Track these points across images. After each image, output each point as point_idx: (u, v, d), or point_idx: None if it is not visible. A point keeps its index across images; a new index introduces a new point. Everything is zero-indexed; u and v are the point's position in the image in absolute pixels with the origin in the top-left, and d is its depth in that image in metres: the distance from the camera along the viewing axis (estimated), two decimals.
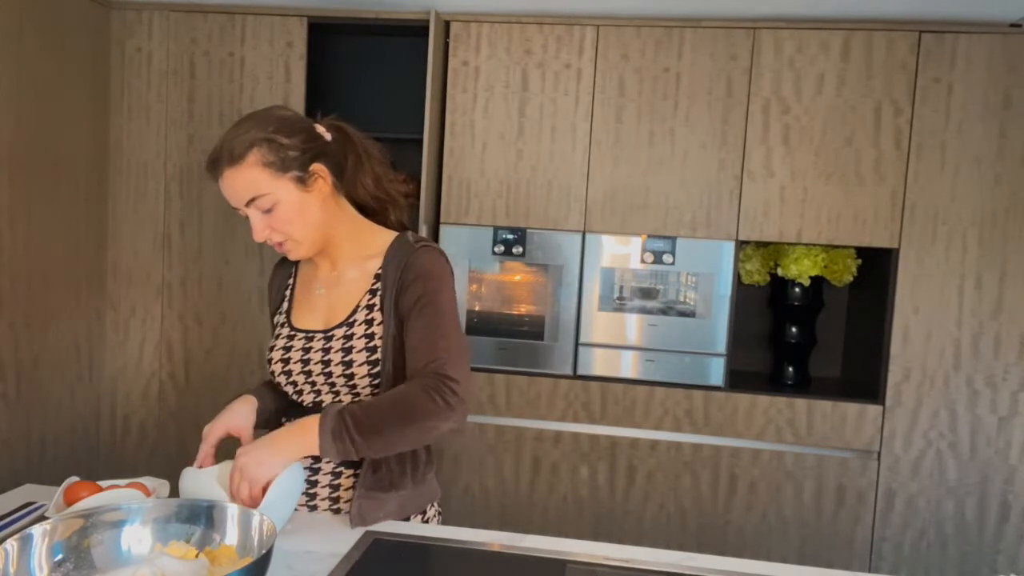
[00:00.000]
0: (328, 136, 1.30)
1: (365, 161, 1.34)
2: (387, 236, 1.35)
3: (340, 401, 1.30)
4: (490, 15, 2.56)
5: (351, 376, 1.27)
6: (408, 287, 1.26)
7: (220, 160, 1.22)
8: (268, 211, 1.24)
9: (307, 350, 1.30)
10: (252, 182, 1.22)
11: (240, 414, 1.30)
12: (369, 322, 1.28)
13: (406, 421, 1.16)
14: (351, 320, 1.29)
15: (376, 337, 1.27)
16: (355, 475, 1.32)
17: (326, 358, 1.28)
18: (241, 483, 1.13)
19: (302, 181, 1.25)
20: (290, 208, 1.25)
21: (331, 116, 1.35)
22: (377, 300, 1.29)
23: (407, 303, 1.25)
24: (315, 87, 2.76)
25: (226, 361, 2.73)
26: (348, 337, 1.28)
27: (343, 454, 1.16)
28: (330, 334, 1.29)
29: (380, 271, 1.31)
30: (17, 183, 2.30)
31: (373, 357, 1.27)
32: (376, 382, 1.28)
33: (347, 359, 1.27)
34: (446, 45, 2.61)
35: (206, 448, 1.25)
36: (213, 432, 1.26)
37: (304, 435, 1.16)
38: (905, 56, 2.41)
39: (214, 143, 1.25)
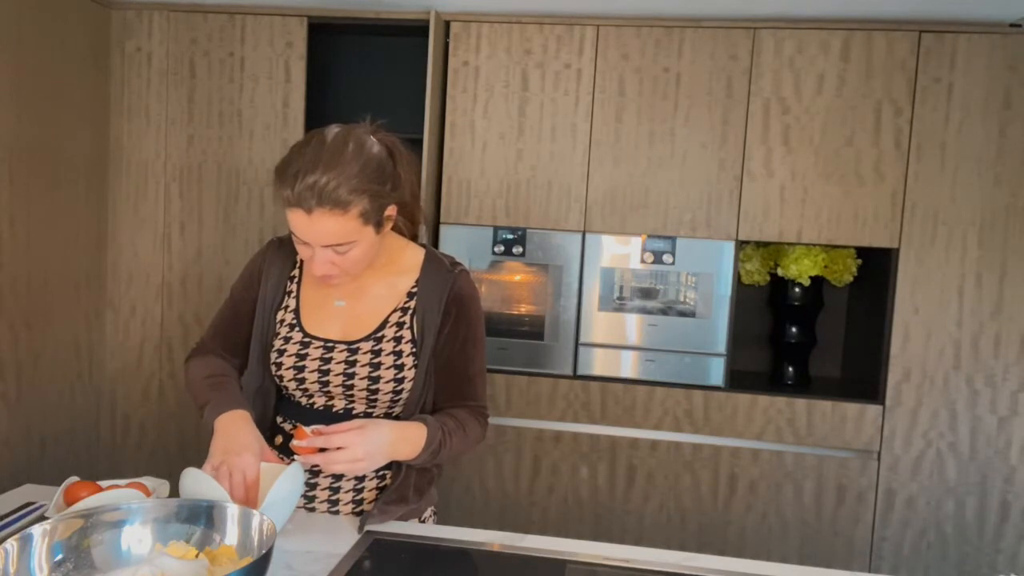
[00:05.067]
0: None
1: (407, 180, 1.30)
2: (415, 252, 1.35)
3: (353, 408, 1.30)
4: (490, 15, 2.56)
5: (376, 391, 1.27)
6: (454, 318, 1.31)
7: (313, 196, 1.14)
8: (341, 252, 1.20)
9: (327, 360, 1.28)
10: (347, 231, 1.17)
11: (259, 440, 1.21)
12: (398, 339, 1.28)
13: (466, 445, 1.31)
14: (379, 335, 1.29)
15: (404, 355, 1.28)
16: (356, 479, 1.32)
17: (350, 371, 1.27)
18: (354, 465, 1.16)
19: (379, 225, 1.23)
20: (364, 251, 1.22)
21: (377, 124, 1.29)
22: (408, 319, 1.29)
23: (454, 333, 1.30)
24: (315, 87, 2.76)
25: None
26: (376, 352, 1.27)
27: (423, 465, 1.29)
28: (355, 347, 1.28)
29: (415, 290, 1.31)
30: (17, 183, 2.30)
31: (400, 375, 1.27)
32: (398, 398, 1.29)
33: (374, 374, 1.27)
34: (446, 45, 2.61)
35: (251, 493, 1.15)
36: (250, 471, 1.16)
37: (408, 447, 1.24)
38: (905, 56, 2.41)
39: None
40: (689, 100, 2.51)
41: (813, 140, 2.47)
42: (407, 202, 1.33)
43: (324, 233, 1.17)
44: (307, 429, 1.18)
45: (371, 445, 1.16)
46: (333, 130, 1.22)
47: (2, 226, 2.25)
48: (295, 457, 1.20)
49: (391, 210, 1.24)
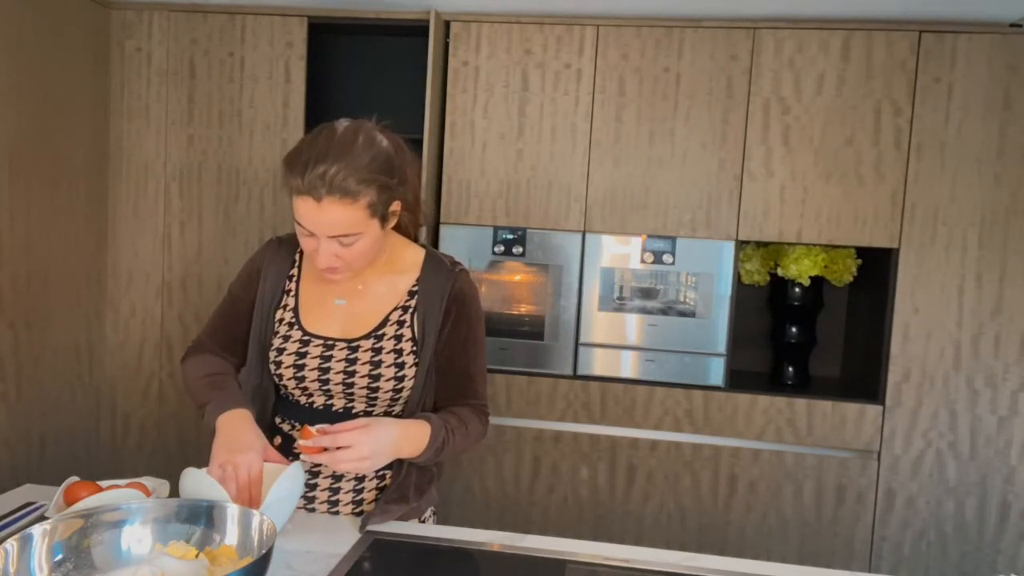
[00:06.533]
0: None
1: (411, 179, 1.30)
2: (416, 252, 1.35)
3: (353, 406, 1.30)
4: (490, 15, 2.56)
5: (376, 390, 1.27)
6: (456, 319, 1.31)
7: (324, 185, 1.14)
8: (346, 245, 1.21)
9: (327, 358, 1.28)
10: (353, 221, 1.18)
11: (261, 439, 1.21)
12: (398, 337, 1.28)
13: (468, 442, 1.31)
14: (379, 333, 1.29)
15: (405, 353, 1.28)
16: (356, 479, 1.32)
17: (350, 368, 1.27)
18: (360, 463, 1.15)
19: (384, 219, 1.23)
20: (369, 244, 1.23)
21: (383, 124, 1.29)
22: (408, 317, 1.30)
23: (455, 332, 1.31)
24: (315, 87, 2.76)
25: None
26: (377, 350, 1.28)
27: (426, 463, 1.29)
28: (355, 345, 1.28)
29: (415, 289, 1.31)
30: (17, 183, 2.30)
31: (401, 373, 1.27)
32: (398, 396, 1.29)
33: (375, 372, 1.27)
34: (446, 45, 2.61)
35: (255, 491, 1.15)
36: (254, 468, 1.16)
37: (412, 444, 1.23)
38: (905, 56, 2.41)
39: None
40: (689, 100, 2.51)
41: (813, 140, 2.47)
42: (410, 201, 1.33)
43: (332, 223, 1.17)
44: (313, 428, 1.18)
45: (377, 443, 1.16)
46: (343, 123, 1.23)
47: (2, 226, 2.25)
48: (300, 456, 1.20)
49: (396, 206, 1.25)
